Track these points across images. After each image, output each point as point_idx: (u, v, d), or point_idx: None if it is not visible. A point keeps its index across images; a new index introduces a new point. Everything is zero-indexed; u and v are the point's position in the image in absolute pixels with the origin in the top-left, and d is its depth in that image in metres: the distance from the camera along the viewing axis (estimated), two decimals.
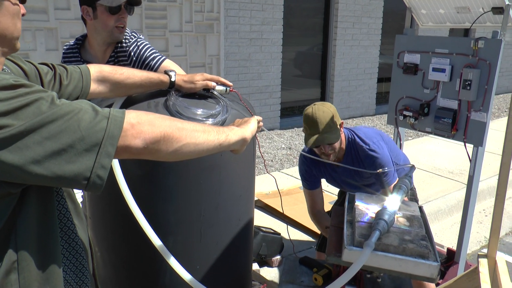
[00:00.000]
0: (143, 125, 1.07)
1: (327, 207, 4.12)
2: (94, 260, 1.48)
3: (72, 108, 1.00)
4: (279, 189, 3.63)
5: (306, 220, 4.08)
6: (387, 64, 9.40)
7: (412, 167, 2.14)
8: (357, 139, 2.75)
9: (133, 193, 1.68)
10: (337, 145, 2.65)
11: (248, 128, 1.46)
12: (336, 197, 3.42)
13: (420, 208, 2.00)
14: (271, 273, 3.44)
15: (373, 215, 1.73)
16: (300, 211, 3.85)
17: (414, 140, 7.42)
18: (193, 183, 1.84)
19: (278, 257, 3.61)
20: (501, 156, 2.25)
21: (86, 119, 1.00)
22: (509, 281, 2.17)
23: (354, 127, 2.89)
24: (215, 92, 1.97)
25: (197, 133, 1.21)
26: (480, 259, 2.36)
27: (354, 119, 8.96)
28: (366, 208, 1.86)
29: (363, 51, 9.07)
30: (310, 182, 2.97)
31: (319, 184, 2.99)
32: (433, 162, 6.23)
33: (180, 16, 6.20)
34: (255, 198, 3.92)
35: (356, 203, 1.90)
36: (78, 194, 3.29)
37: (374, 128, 2.97)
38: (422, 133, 7.82)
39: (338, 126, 2.65)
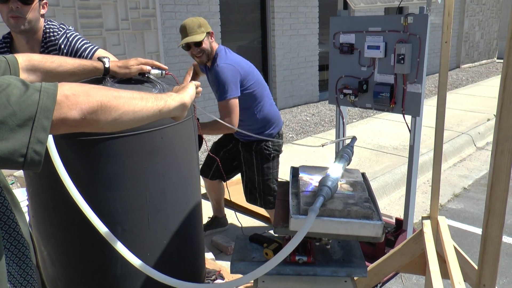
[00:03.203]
0: (78, 96, 1.04)
1: None
2: (38, 252, 1.43)
3: None
4: (229, 180, 3.66)
5: (258, 207, 4.12)
6: (327, 53, 9.57)
7: (353, 138, 2.19)
8: (220, 54, 3.15)
9: (76, 183, 1.64)
10: (205, 47, 3.08)
11: (186, 93, 1.46)
12: None
13: (363, 174, 2.06)
14: (227, 261, 3.44)
15: (317, 184, 1.77)
16: None
17: (359, 122, 7.61)
18: (136, 168, 1.82)
19: (233, 245, 3.62)
20: (435, 120, 2.34)
21: (16, 94, 0.96)
22: (450, 237, 2.27)
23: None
24: (151, 76, 1.95)
25: (134, 100, 1.18)
26: (424, 221, 2.45)
27: (299, 106, 9.08)
28: (310, 179, 1.89)
29: (302, 40, 9.19)
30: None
31: None
32: (378, 140, 6.42)
33: (115, 14, 6.08)
34: (204, 191, 3.92)
35: (300, 175, 1.93)
36: (23, 203, 3.18)
37: (245, 60, 3.32)
38: (366, 115, 8.03)
39: (205, 33, 3.07)
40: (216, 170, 3.60)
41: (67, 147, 1.73)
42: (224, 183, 3.65)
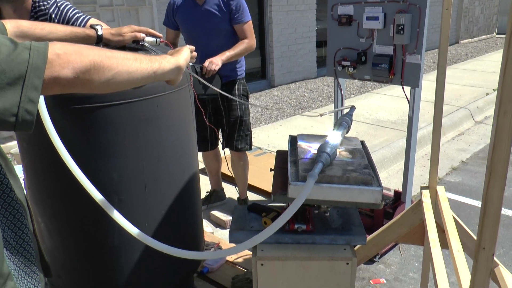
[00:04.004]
0: (70, 55, 1.01)
1: None
2: (34, 220, 1.41)
3: None
4: (226, 154, 3.66)
5: (255, 180, 4.11)
6: (325, 29, 9.46)
7: (352, 107, 2.17)
8: None
9: (71, 153, 1.61)
10: None
11: (181, 56, 1.43)
12: None
13: (362, 142, 2.04)
14: (225, 235, 3.45)
15: (316, 152, 1.74)
16: (249, 173, 3.87)
17: (357, 97, 7.57)
18: (132, 136, 1.79)
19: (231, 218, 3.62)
20: (435, 89, 2.31)
21: (4, 51, 0.93)
22: (449, 207, 2.26)
23: None
24: (145, 44, 1.91)
25: (128, 61, 1.16)
26: (422, 191, 2.44)
27: (297, 83, 9.02)
28: (309, 146, 1.87)
29: (299, 15, 9.08)
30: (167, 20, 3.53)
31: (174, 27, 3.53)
32: (376, 115, 6.39)
33: None
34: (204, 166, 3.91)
35: (298, 143, 1.91)
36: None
37: None
38: (364, 90, 7.98)
39: None
40: (212, 139, 3.63)
41: (60, 116, 1.70)
42: (223, 157, 3.65)
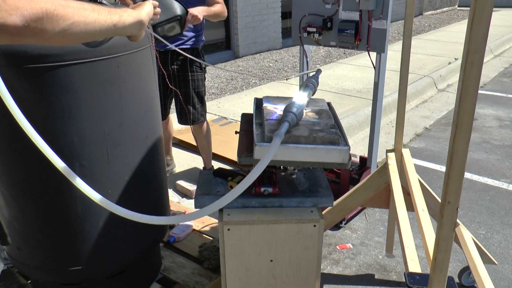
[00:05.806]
0: (18, 1, 0.93)
1: None
2: None
3: None
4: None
5: (221, 150, 4.08)
6: (290, 1, 9.35)
7: (318, 70, 2.15)
8: None
9: (28, 117, 1.53)
10: None
11: (143, 10, 1.36)
12: None
13: (329, 103, 2.02)
14: (191, 204, 3.42)
15: (282, 113, 1.72)
16: (214, 142, 3.84)
17: (322, 67, 7.57)
18: (92, 99, 1.71)
19: None
20: (401, 53, 2.31)
21: None
22: (414, 169, 2.29)
23: None
24: (103, 1, 1.82)
25: (85, 11, 1.08)
26: (388, 154, 2.46)
27: (262, 53, 8.95)
28: (275, 108, 1.84)
29: None
30: None
31: None
32: (342, 84, 6.41)
33: None
34: None
35: (264, 105, 1.88)
36: None
37: None
38: (330, 60, 7.98)
39: None
40: (164, 108, 3.54)
41: (13, 76, 1.61)
42: (191, 127, 3.58)
